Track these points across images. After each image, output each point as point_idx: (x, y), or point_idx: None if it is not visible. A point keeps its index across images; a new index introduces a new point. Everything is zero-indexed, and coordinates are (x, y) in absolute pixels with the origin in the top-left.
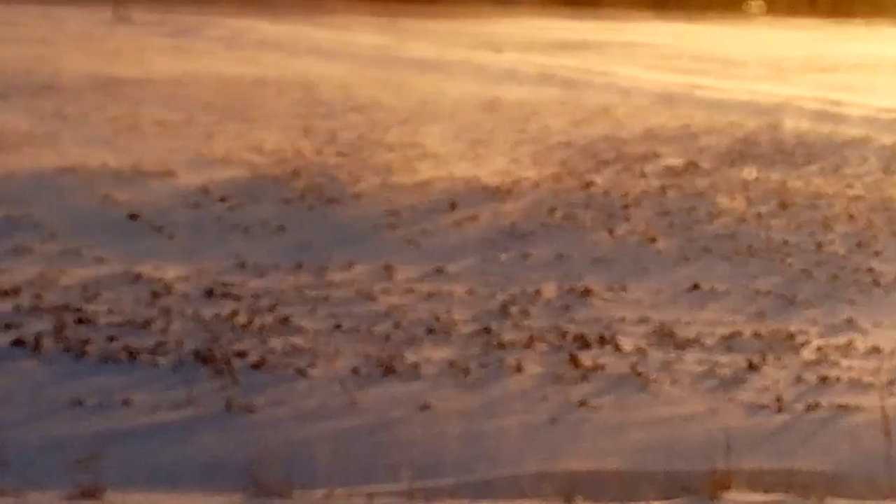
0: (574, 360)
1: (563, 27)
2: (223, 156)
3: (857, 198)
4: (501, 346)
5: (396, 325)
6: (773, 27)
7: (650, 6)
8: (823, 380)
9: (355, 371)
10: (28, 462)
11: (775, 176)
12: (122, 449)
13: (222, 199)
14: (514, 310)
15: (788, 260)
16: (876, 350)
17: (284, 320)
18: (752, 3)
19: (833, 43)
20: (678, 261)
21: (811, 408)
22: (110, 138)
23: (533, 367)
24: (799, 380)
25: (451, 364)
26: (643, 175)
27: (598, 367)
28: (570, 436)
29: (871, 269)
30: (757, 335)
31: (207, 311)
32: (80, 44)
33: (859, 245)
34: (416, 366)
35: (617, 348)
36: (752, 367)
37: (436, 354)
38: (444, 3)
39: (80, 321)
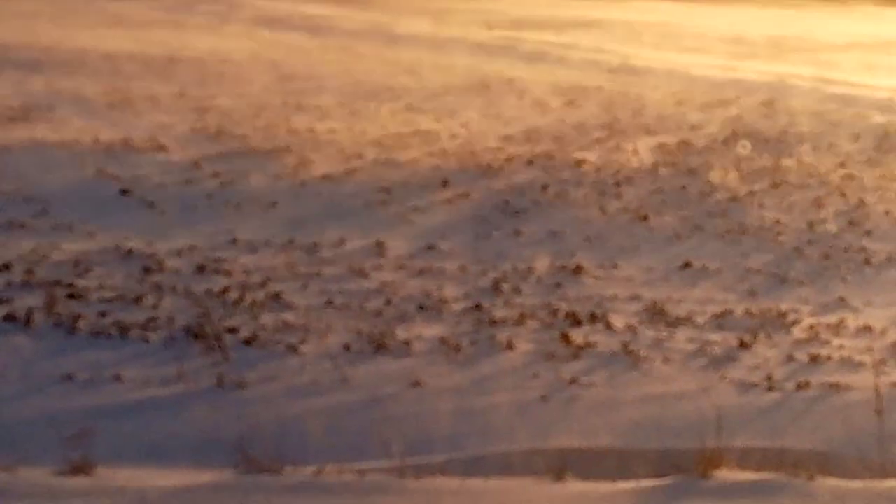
0: (565, 338)
1: (555, 4)
2: (215, 131)
3: (849, 176)
4: (493, 323)
5: (388, 302)
6: (777, 4)
7: None
8: (814, 358)
9: (346, 347)
10: (19, 437)
11: (767, 154)
12: (112, 424)
13: (214, 175)
14: (505, 287)
15: (780, 238)
16: (867, 329)
17: (276, 296)
18: None
19: (831, 21)
20: (670, 239)
21: (802, 386)
22: (103, 113)
23: (524, 345)
24: (790, 358)
25: (443, 341)
26: (635, 153)
27: (589, 345)
28: (561, 413)
29: (862, 248)
30: (748, 313)
31: (199, 287)
32: (73, 18)
33: (851, 224)
34: (407, 342)
35: (608, 326)
36: (743, 345)
37: (427, 331)
38: None
39: (71, 296)
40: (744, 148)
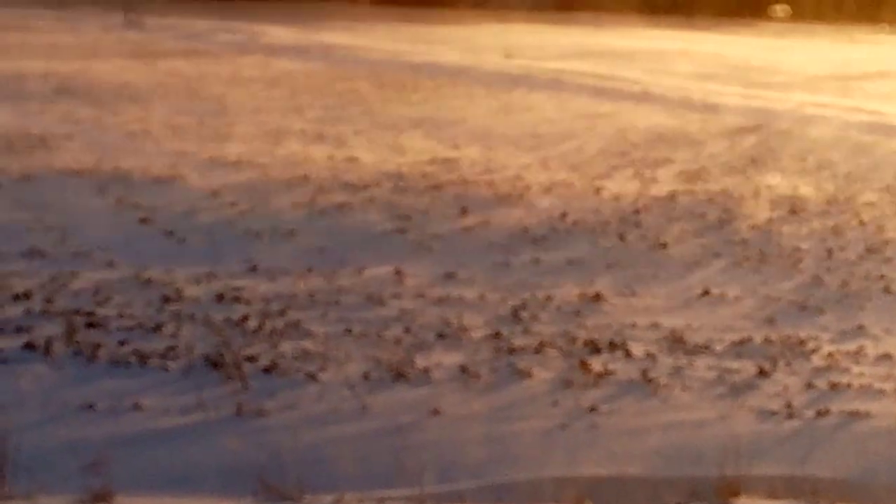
0: (584, 366)
1: (574, 34)
2: (235, 160)
3: (868, 204)
4: (512, 351)
5: (407, 330)
6: (794, 33)
7: (672, 17)
8: (834, 386)
9: (366, 376)
10: (38, 466)
11: (787, 181)
12: (132, 453)
13: (233, 204)
14: (524, 315)
15: (799, 266)
16: (887, 356)
17: (295, 325)
18: (778, 6)
19: (851, 49)
20: (689, 266)
21: (821, 414)
22: (123, 142)
23: (543, 373)
24: (809, 386)
25: (462, 369)
26: (654, 180)
27: (608, 373)
28: (581, 441)
29: (882, 276)
30: (767, 341)
31: (218, 316)
32: (93, 48)
33: (870, 251)
34: (426, 370)
35: (627, 354)
36: (762, 373)
37: (446, 359)
38: (458, 10)
39: (90, 325)
40: (761, 180)
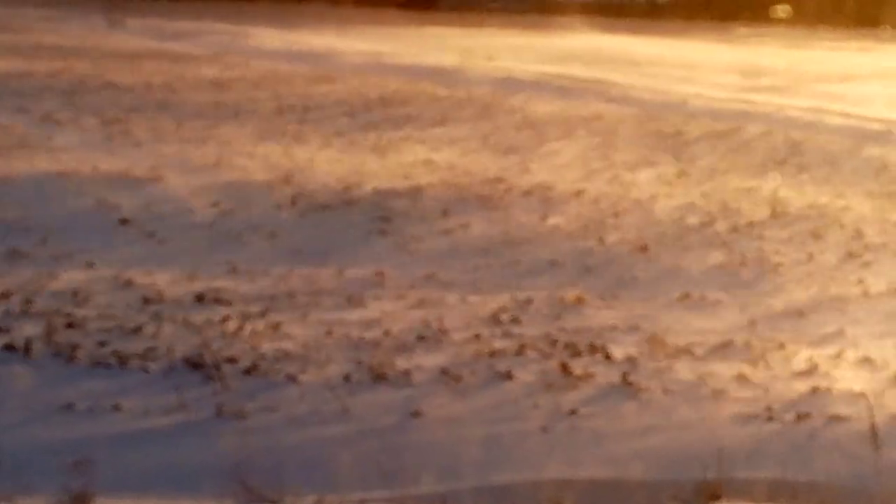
0: (565, 368)
1: (554, 39)
2: (215, 161)
3: (848, 208)
4: (492, 353)
5: (387, 333)
6: (779, 36)
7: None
8: (814, 390)
9: (346, 377)
10: (18, 466)
11: (767, 185)
12: (112, 454)
13: (213, 205)
14: (504, 317)
15: (779, 269)
16: (867, 360)
17: (275, 326)
18: (779, 7)
19: (842, 54)
20: (669, 269)
21: (801, 418)
22: (103, 143)
23: (524, 375)
24: (790, 390)
25: (443, 371)
26: (634, 183)
27: (588, 376)
28: (561, 444)
29: (861, 280)
30: (748, 344)
31: (198, 317)
32: (74, 48)
33: (850, 255)
34: (407, 372)
35: (608, 357)
36: (742, 376)
37: (427, 361)
38: (438, 14)
39: (70, 325)
40: (742, 183)
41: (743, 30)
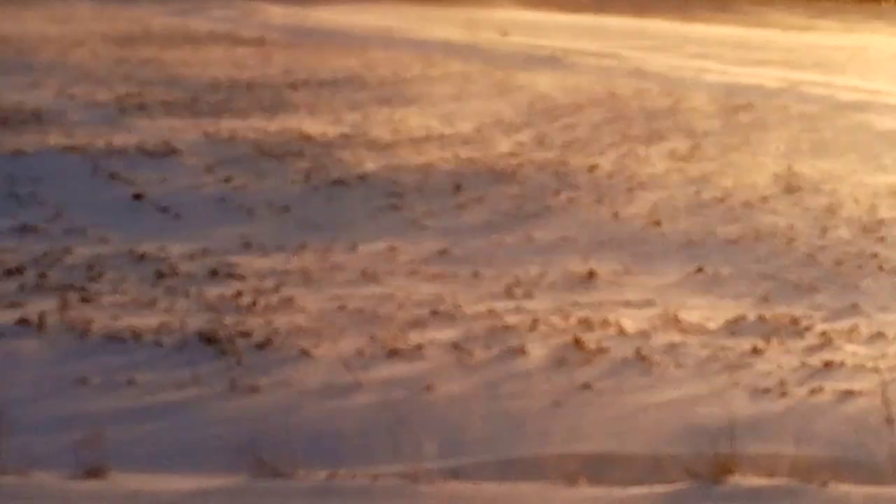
0: (578, 343)
1: (570, 17)
2: (228, 136)
3: (862, 183)
4: (506, 328)
5: (400, 307)
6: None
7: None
8: (827, 364)
9: (359, 352)
10: (32, 441)
11: (781, 160)
12: (126, 428)
13: (227, 180)
14: (518, 292)
15: (793, 244)
16: (880, 335)
17: (289, 301)
18: None
19: (847, 29)
20: (683, 244)
21: (815, 392)
22: (116, 117)
23: (537, 350)
24: (803, 364)
25: (456, 346)
26: (648, 158)
27: (602, 350)
28: (573, 419)
29: (875, 255)
30: (761, 319)
31: (212, 291)
32: (88, 23)
33: (864, 230)
34: (420, 347)
35: (621, 331)
36: (756, 351)
37: (440, 336)
38: None
39: (84, 300)
40: (754, 158)
41: (746, 6)
